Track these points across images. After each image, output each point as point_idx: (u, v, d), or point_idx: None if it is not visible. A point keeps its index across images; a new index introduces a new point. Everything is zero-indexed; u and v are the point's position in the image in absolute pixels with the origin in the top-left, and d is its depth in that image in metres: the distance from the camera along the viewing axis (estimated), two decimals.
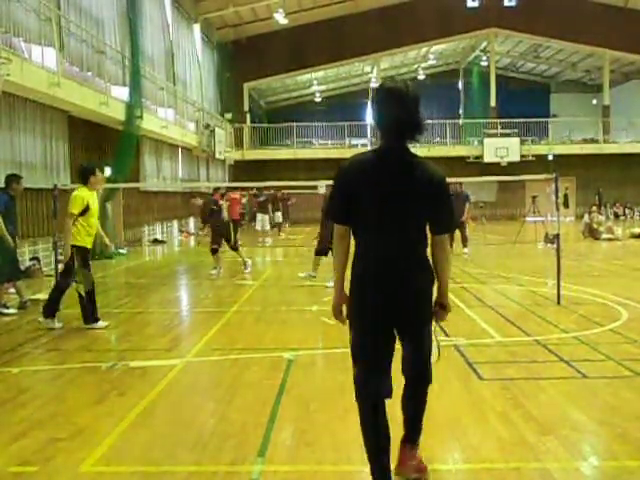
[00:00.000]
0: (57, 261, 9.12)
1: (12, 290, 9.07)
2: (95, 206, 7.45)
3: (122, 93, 16.56)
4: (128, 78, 17.07)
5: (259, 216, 20.69)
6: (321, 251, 10.22)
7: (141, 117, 16.76)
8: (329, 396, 4.71)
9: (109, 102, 15.11)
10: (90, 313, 7.29)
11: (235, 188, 15.83)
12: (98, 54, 15.47)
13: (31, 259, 12.49)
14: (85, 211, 7.23)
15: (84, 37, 14.87)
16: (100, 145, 16.41)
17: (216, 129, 25.75)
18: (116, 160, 16.13)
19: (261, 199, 21.05)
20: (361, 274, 3.08)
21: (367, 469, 3.52)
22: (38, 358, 6.03)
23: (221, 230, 12.08)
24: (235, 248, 12.29)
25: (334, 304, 3.18)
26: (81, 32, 14.74)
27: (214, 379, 5.51)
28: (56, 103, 13.38)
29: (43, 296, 8.87)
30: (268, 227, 20.65)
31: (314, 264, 10.53)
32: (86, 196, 7.29)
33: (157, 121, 19.46)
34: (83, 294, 7.25)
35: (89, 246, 7.38)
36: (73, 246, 7.24)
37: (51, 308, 7.36)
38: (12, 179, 8.70)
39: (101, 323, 7.30)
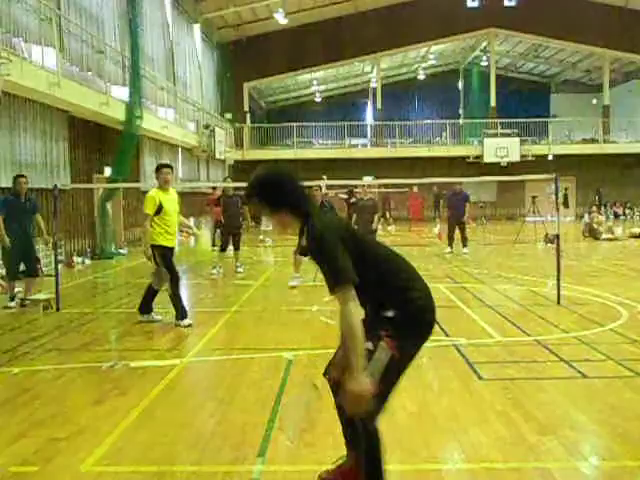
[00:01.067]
0: (57, 261, 9.14)
1: (17, 289, 9.08)
2: (169, 205, 7.47)
3: (122, 93, 16.56)
4: (128, 78, 17.07)
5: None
6: (304, 253, 10.05)
7: (141, 117, 16.76)
8: (329, 396, 4.70)
9: (109, 102, 15.12)
10: (143, 305, 7.51)
11: (237, 188, 15.82)
12: (98, 54, 15.48)
13: None
14: (159, 210, 7.31)
15: (84, 37, 14.89)
16: (100, 145, 16.42)
17: (216, 129, 25.75)
18: (116, 160, 16.14)
19: None
20: (413, 299, 2.89)
21: None
22: (38, 358, 6.03)
23: (233, 231, 12.01)
24: (237, 248, 12.21)
25: (367, 389, 2.61)
26: (81, 32, 14.75)
27: (214, 379, 5.51)
28: (56, 103, 13.38)
29: (43, 296, 8.89)
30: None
31: (297, 265, 10.30)
32: (157, 195, 7.37)
33: (157, 121, 19.46)
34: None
35: (168, 244, 7.45)
36: (153, 246, 7.36)
37: (179, 309, 7.52)
38: (13, 179, 9.06)
39: (155, 316, 7.54)
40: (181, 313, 7.45)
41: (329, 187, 10.31)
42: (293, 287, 10.14)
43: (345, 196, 19.63)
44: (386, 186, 25.62)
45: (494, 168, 28.97)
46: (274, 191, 2.94)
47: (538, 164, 27.50)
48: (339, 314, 2.67)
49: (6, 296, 8.85)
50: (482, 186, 29.24)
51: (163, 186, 7.49)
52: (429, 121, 33.48)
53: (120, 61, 17.15)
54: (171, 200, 7.56)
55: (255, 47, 30.70)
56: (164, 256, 7.39)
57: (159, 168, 7.63)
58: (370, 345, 2.74)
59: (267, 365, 5.63)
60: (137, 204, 19.35)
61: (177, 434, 4.07)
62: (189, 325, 7.36)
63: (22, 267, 9.06)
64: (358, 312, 2.66)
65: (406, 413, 3.94)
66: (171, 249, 7.55)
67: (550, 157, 29.94)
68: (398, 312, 2.85)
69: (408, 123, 32.76)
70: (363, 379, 2.59)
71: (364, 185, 14.01)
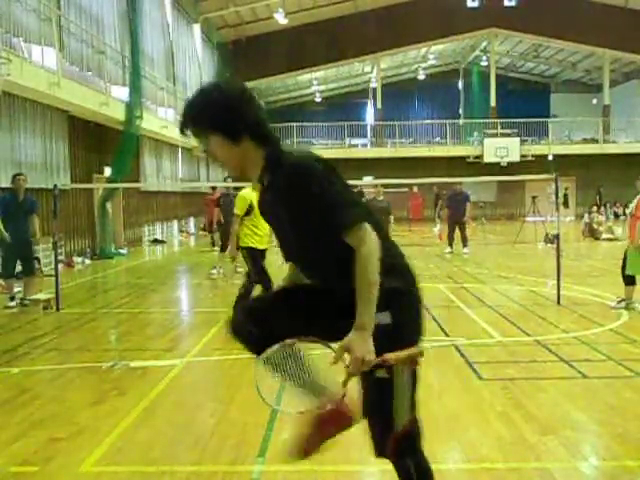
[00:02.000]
0: (57, 261, 9.14)
1: (16, 289, 9.09)
2: None
3: (122, 93, 16.56)
4: (128, 78, 17.07)
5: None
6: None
7: (141, 117, 16.77)
8: None
9: (109, 102, 15.12)
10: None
11: (237, 188, 15.80)
12: (98, 54, 15.48)
13: None
14: (249, 211, 7.18)
15: (84, 37, 14.88)
16: (100, 145, 16.42)
17: None
18: (116, 160, 16.14)
19: None
20: (405, 281, 2.26)
21: (366, 469, 3.54)
22: (38, 358, 6.03)
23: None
24: (237, 248, 12.16)
25: (371, 354, 2.11)
26: (81, 32, 14.75)
27: (214, 379, 5.51)
28: (56, 103, 13.38)
29: (43, 296, 8.89)
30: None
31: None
32: (249, 196, 7.20)
33: (157, 121, 19.46)
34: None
35: (258, 246, 7.27)
36: (243, 248, 7.27)
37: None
38: (12, 177, 9.06)
39: None
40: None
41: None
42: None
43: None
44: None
45: (494, 168, 28.96)
46: (234, 113, 2.09)
47: (538, 164, 27.49)
48: (356, 258, 2.05)
49: (6, 296, 8.87)
50: (482, 186, 29.23)
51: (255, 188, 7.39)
52: (429, 121, 33.47)
53: (120, 61, 17.14)
54: None
55: (255, 47, 30.67)
56: (254, 258, 7.21)
57: None
58: (384, 372, 2.17)
59: None
60: (137, 204, 19.37)
61: (177, 434, 4.06)
62: None
63: (20, 267, 9.08)
64: (378, 250, 2.05)
65: None
66: (262, 251, 7.30)
67: (550, 157, 29.93)
68: (394, 311, 2.15)
69: (408, 123, 32.75)
70: (371, 343, 2.09)
71: (376, 185, 13.66)
